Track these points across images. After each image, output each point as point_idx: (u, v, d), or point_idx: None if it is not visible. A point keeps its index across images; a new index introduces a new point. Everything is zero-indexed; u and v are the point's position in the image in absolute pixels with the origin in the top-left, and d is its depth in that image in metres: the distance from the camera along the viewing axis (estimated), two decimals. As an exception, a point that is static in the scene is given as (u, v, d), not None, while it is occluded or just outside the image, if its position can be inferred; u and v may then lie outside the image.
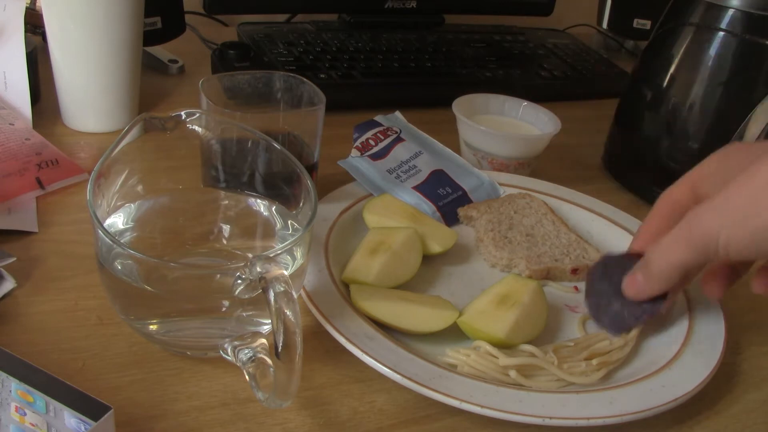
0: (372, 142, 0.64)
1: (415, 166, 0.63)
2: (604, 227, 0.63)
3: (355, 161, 0.63)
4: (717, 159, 0.44)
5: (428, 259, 0.55)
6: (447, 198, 0.62)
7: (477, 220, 0.61)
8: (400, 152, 0.64)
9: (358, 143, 0.64)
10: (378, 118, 0.67)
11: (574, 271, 0.56)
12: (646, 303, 0.45)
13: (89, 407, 0.36)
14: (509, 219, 0.60)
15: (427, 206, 0.60)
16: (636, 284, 0.45)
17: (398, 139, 0.65)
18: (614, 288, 0.46)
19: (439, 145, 0.67)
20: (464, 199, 0.63)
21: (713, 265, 0.47)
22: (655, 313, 0.45)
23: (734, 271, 0.47)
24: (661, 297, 0.45)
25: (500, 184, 0.65)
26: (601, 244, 0.61)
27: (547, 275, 0.56)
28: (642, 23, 1.07)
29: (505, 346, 0.47)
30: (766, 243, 0.38)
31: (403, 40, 0.95)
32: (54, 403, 0.37)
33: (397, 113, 0.69)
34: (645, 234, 0.47)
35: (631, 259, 0.47)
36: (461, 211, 0.62)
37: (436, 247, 0.56)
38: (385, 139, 0.65)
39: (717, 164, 0.44)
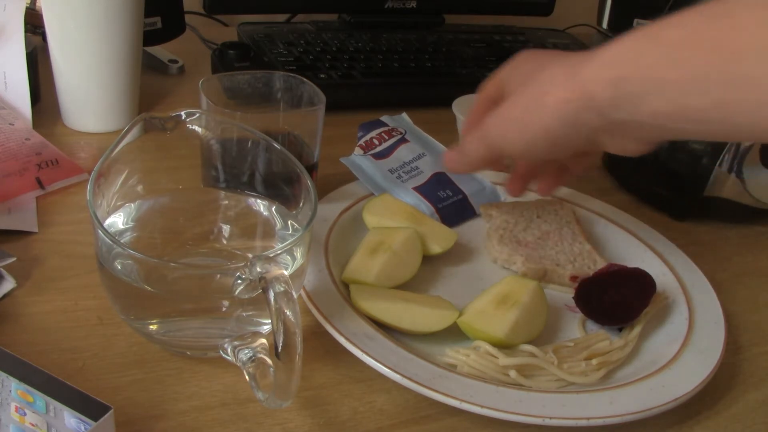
0: (376, 142, 0.64)
1: (417, 168, 0.63)
2: (604, 227, 0.63)
3: (358, 159, 0.63)
4: (513, 64, 0.52)
5: (428, 259, 0.55)
6: (447, 201, 0.62)
7: (495, 218, 0.60)
8: (404, 153, 0.64)
9: (361, 142, 0.64)
10: (384, 118, 0.67)
11: (573, 278, 0.55)
12: None
13: (89, 407, 0.36)
14: (528, 221, 0.60)
15: (426, 207, 0.60)
16: (453, 159, 0.53)
17: (402, 140, 0.65)
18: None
19: (443, 148, 0.67)
20: (465, 203, 0.62)
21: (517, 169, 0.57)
22: None
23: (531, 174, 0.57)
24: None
25: (500, 185, 0.65)
26: (601, 244, 0.61)
27: (545, 277, 0.56)
28: (642, 23, 1.07)
29: (505, 346, 0.47)
30: (536, 146, 0.46)
31: (403, 40, 0.95)
32: (54, 403, 0.37)
33: (404, 115, 0.69)
34: (469, 124, 0.55)
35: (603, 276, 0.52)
36: (482, 208, 0.61)
37: (435, 248, 0.56)
38: (389, 139, 0.65)
39: (511, 69, 0.52)
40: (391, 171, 0.62)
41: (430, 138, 0.68)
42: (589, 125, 0.42)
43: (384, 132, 0.65)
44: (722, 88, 0.36)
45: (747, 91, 0.35)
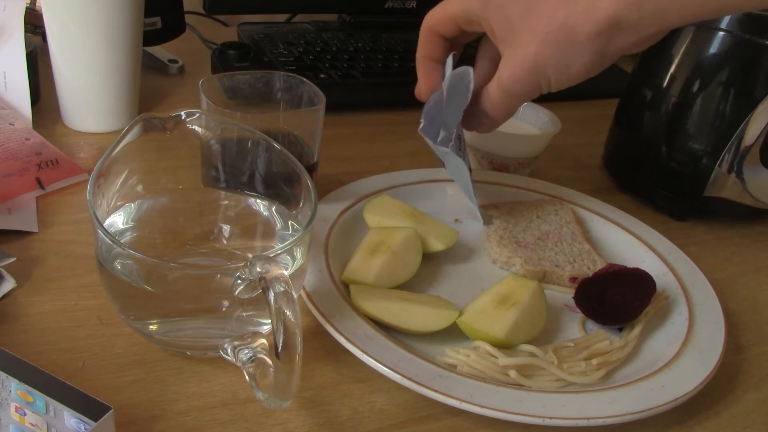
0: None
1: (459, 136, 0.56)
2: (604, 227, 0.63)
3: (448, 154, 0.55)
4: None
5: (428, 259, 0.55)
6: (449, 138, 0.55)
7: (495, 218, 0.61)
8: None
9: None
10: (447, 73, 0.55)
11: (573, 279, 0.55)
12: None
13: (89, 407, 0.36)
14: (527, 222, 0.60)
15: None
16: (483, 124, 0.54)
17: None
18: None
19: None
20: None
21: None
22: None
23: None
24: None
25: (500, 185, 0.65)
26: (601, 244, 0.61)
27: (544, 278, 0.56)
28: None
29: (504, 346, 0.47)
30: (577, 79, 0.49)
31: (403, 40, 0.95)
32: (54, 403, 0.37)
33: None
34: (428, 87, 0.55)
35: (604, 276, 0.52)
36: (482, 208, 0.62)
37: (438, 245, 0.56)
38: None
39: (476, 4, 0.50)
40: (455, 146, 0.54)
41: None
42: (624, 45, 0.46)
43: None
44: None
45: None
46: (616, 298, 0.51)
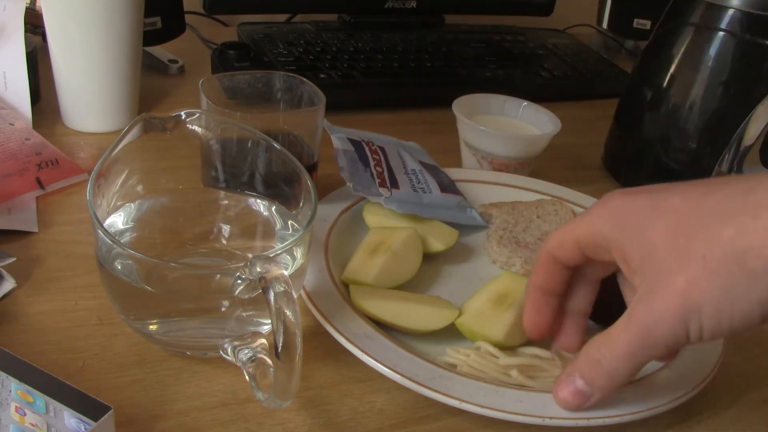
0: (379, 169, 0.59)
1: (414, 170, 0.62)
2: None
3: (392, 204, 0.56)
4: (606, 219, 0.41)
5: (429, 259, 0.55)
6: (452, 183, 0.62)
7: (495, 218, 0.61)
8: (397, 165, 0.61)
9: (377, 179, 0.57)
10: (336, 142, 0.59)
11: None
12: None
13: (89, 407, 0.36)
14: (527, 222, 0.60)
15: (458, 199, 0.60)
16: (582, 397, 0.41)
17: (384, 152, 0.61)
18: None
19: (381, 136, 0.65)
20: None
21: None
22: None
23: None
24: None
25: (500, 185, 0.65)
26: (601, 244, 0.61)
27: None
28: (642, 23, 1.07)
29: (503, 347, 0.47)
30: (740, 328, 0.36)
31: (403, 40, 0.95)
32: (54, 403, 0.37)
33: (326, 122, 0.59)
34: (534, 323, 0.45)
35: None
36: (482, 207, 0.62)
37: (438, 245, 0.56)
38: (379, 156, 0.60)
39: (608, 225, 0.40)
40: (414, 189, 0.59)
41: (369, 132, 0.64)
42: None
43: (371, 152, 0.60)
44: None
45: None
46: (616, 298, 0.50)
